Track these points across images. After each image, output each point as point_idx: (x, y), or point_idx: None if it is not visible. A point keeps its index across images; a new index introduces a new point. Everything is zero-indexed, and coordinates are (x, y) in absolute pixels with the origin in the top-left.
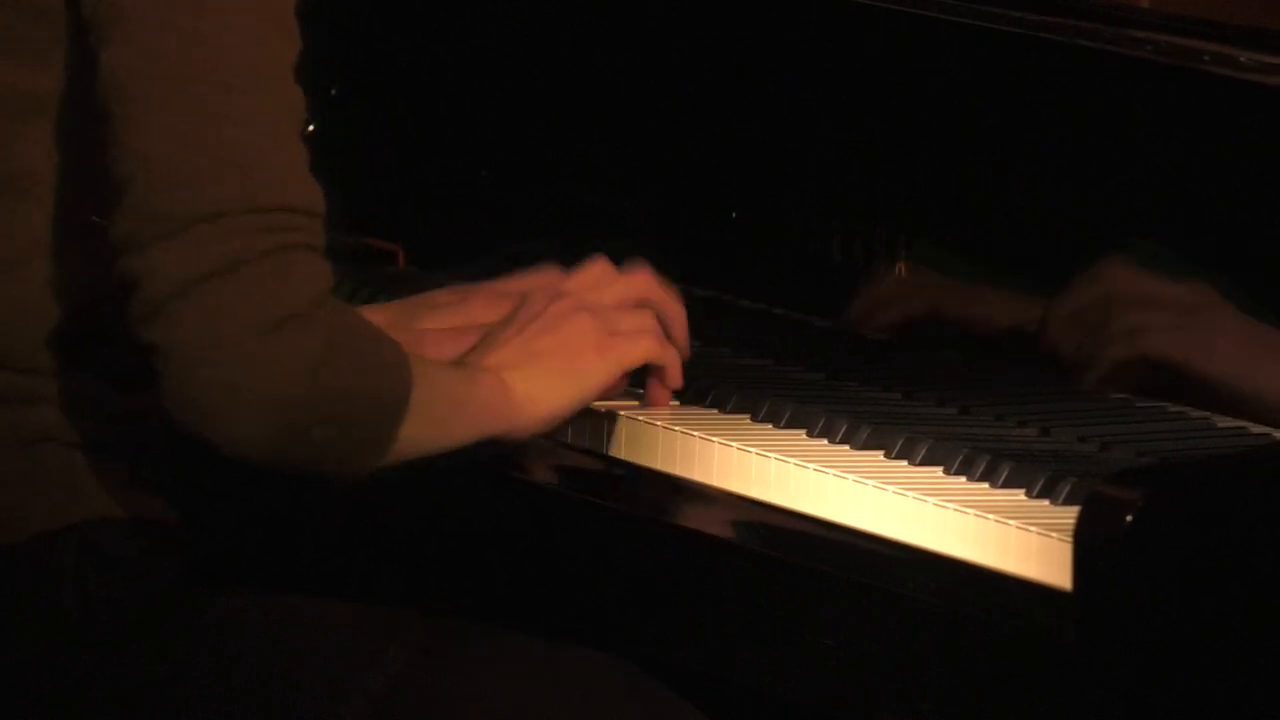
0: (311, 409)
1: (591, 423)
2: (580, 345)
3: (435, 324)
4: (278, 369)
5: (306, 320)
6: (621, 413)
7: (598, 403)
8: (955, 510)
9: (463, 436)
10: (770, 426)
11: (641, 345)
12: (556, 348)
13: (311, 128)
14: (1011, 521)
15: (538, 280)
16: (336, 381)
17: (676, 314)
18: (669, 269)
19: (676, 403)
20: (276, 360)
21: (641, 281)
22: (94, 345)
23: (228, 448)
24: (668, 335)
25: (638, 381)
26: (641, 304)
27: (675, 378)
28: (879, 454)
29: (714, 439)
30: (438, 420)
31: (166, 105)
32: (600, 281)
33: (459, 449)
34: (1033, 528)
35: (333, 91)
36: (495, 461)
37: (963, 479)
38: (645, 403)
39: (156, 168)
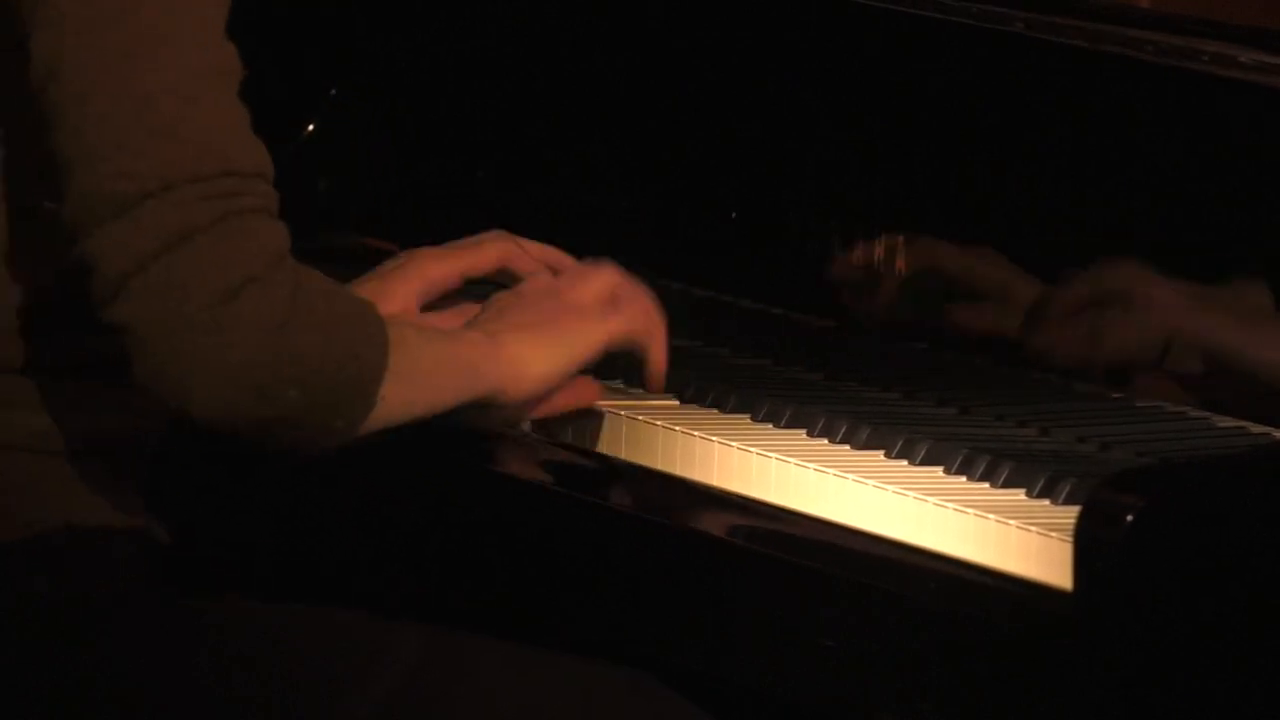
0: (279, 369)
1: (591, 422)
2: (571, 310)
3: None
4: (240, 333)
5: (264, 282)
6: (622, 412)
7: (598, 402)
8: (955, 510)
9: (450, 398)
10: (770, 426)
11: (634, 316)
12: (549, 314)
13: (311, 128)
14: (1012, 521)
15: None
16: (303, 340)
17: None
18: (669, 269)
19: (676, 402)
20: (238, 325)
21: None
22: (62, 341)
23: (204, 417)
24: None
25: (636, 380)
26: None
27: (657, 362)
28: (879, 454)
29: (714, 439)
30: (422, 381)
31: (95, 82)
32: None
33: (449, 412)
34: (1033, 528)
35: (332, 91)
36: (495, 459)
37: (963, 479)
38: (647, 388)
39: (94, 147)
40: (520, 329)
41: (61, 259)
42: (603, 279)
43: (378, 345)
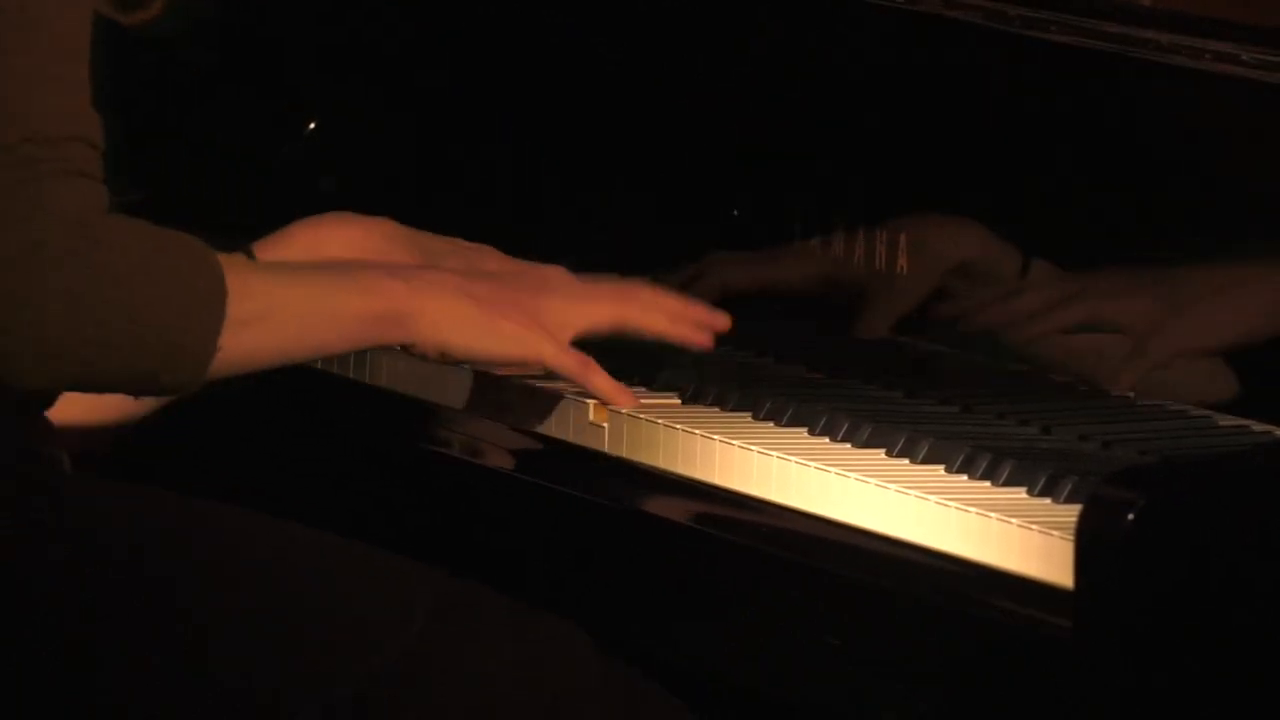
0: (78, 333)
1: (593, 420)
2: (511, 311)
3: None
4: (30, 300)
5: (56, 248)
6: (623, 410)
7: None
8: (957, 508)
9: (343, 342)
10: (772, 425)
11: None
12: (492, 300)
13: (312, 125)
14: (1013, 520)
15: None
16: (103, 305)
17: (670, 307)
18: (670, 268)
19: (678, 400)
20: (28, 292)
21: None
22: None
23: (6, 379)
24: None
25: (639, 379)
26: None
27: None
28: (880, 452)
29: (715, 437)
30: (286, 329)
31: None
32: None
33: (351, 349)
34: (1034, 526)
35: (334, 88)
36: (493, 456)
37: (964, 477)
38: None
39: None
40: (462, 298)
41: None
42: (599, 314)
43: (208, 299)
